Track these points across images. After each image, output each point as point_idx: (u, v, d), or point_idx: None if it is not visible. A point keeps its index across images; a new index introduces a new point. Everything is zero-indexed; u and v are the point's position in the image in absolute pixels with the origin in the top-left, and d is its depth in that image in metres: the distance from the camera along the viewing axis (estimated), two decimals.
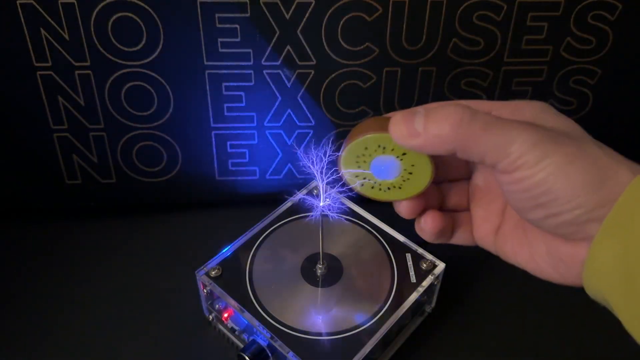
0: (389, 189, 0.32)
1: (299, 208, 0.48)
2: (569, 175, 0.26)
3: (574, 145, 0.27)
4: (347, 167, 0.32)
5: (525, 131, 0.27)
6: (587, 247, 0.27)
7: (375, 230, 0.47)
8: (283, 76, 0.48)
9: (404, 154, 0.31)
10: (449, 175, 0.35)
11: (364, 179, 0.32)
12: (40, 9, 0.43)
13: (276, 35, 0.46)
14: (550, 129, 0.28)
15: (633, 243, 0.25)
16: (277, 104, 0.50)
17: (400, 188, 0.32)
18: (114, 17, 0.44)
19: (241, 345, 0.42)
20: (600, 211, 0.26)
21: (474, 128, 0.27)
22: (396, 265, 0.44)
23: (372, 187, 0.32)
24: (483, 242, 0.35)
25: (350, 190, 0.33)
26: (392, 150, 0.31)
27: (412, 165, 0.31)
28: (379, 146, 0.31)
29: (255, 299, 0.41)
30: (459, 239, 0.35)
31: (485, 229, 0.34)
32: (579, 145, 0.27)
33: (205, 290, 0.43)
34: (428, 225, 0.33)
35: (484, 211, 0.34)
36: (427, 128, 0.28)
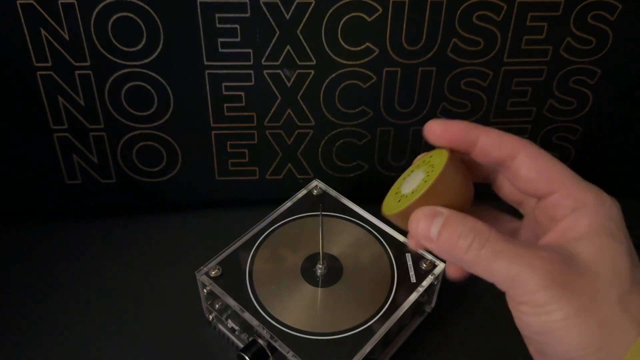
0: (402, 198, 0.32)
1: (299, 208, 0.48)
2: (573, 328, 0.25)
3: (588, 296, 0.25)
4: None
5: (538, 271, 0.25)
6: None
7: (375, 230, 0.47)
8: (283, 76, 0.48)
9: (432, 165, 0.30)
10: None
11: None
12: (40, 9, 0.43)
13: (276, 35, 0.46)
14: (579, 262, 0.26)
15: None
16: (277, 104, 0.50)
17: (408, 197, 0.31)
18: (114, 17, 0.44)
19: (241, 345, 0.42)
20: None
21: (483, 256, 0.26)
22: (396, 265, 0.44)
23: (399, 201, 0.31)
24: None
25: None
26: (426, 163, 0.31)
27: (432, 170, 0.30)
28: (431, 156, 0.31)
29: (255, 299, 0.41)
30: None
31: None
32: (594, 297, 0.25)
33: (205, 290, 0.43)
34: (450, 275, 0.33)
35: None
36: (440, 239, 0.27)
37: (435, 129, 0.30)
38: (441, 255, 0.28)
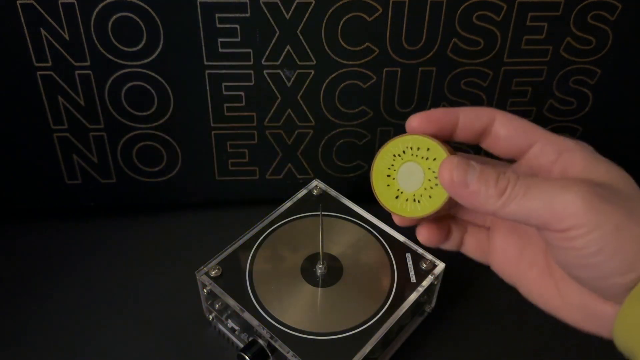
0: (407, 200, 0.32)
1: (299, 208, 0.49)
2: (620, 241, 0.25)
3: (627, 207, 0.26)
4: (386, 156, 0.32)
5: (574, 190, 0.26)
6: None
7: (375, 230, 0.47)
8: (283, 76, 0.48)
9: (434, 159, 0.30)
10: None
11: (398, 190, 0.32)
12: (40, 9, 0.43)
13: (276, 35, 0.46)
14: (602, 184, 0.27)
15: None
16: (277, 104, 0.50)
17: (419, 202, 0.31)
18: (114, 17, 0.44)
19: (241, 345, 0.42)
20: None
21: (516, 193, 0.27)
22: (396, 265, 0.44)
23: (397, 197, 0.32)
24: (500, 272, 0.34)
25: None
26: (425, 158, 0.31)
27: (436, 178, 0.30)
28: (418, 149, 0.31)
29: (255, 299, 0.41)
30: (470, 252, 0.35)
31: (504, 259, 0.33)
32: (630, 210, 0.26)
33: (205, 290, 0.43)
34: (421, 237, 0.33)
35: (505, 244, 0.33)
36: (477, 186, 0.27)
37: (418, 121, 0.31)
38: (469, 203, 0.28)
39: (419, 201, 0.31)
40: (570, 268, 0.28)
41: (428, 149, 0.30)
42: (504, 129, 0.30)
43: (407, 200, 0.31)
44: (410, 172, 0.31)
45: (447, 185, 0.28)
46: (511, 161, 0.32)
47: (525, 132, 0.30)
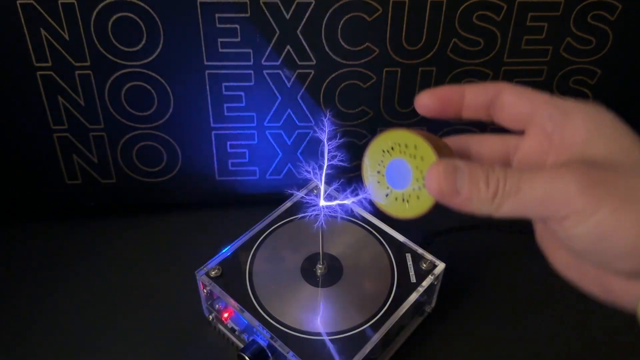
0: (396, 199, 0.31)
1: (299, 208, 0.48)
2: (620, 224, 0.24)
3: (625, 188, 0.25)
4: (374, 153, 0.31)
5: (568, 176, 0.25)
6: None
7: (375, 230, 0.47)
8: (283, 76, 0.48)
9: (422, 158, 0.30)
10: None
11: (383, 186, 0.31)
12: (40, 9, 0.43)
13: (276, 35, 0.46)
14: (602, 161, 0.26)
15: None
16: (277, 104, 0.50)
17: (408, 202, 0.31)
18: (114, 17, 0.44)
19: (241, 345, 0.42)
20: None
21: (508, 190, 0.26)
22: (396, 265, 0.44)
23: (387, 195, 0.31)
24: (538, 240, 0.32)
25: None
26: (413, 157, 0.30)
27: (424, 179, 0.30)
28: (406, 145, 0.30)
29: (255, 299, 0.41)
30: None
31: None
32: (631, 187, 0.25)
33: (205, 290, 0.43)
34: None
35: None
36: (469, 192, 0.27)
37: (428, 96, 0.31)
38: (463, 209, 0.27)
39: (407, 201, 0.31)
40: (577, 253, 0.27)
41: (415, 147, 0.29)
42: (511, 97, 0.30)
43: (396, 199, 0.31)
44: (399, 170, 0.30)
45: (436, 196, 0.28)
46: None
47: (529, 98, 0.29)
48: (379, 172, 0.31)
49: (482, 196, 0.26)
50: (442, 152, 0.30)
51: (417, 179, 0.30)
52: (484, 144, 0.33)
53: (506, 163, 0.32)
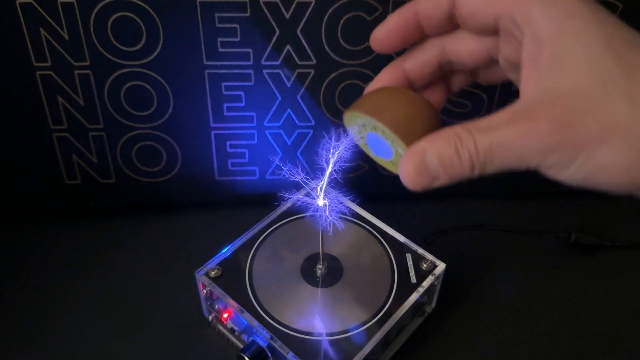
0: (386, 162, 0.32)
1: (299, 208, 0.48)
2: (602, 165, 0.25)
3: (596, 123, 0.24)
4: (350, 124, 0.31)
5: (534, 126, 0.25)
6: None
7: (375, 230, 0.47)
8: (283, 76, 0.48)
9: (392, 140, 0.29)
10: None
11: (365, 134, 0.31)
12: (40, 9, 0.43)
13: (276, 35, 0.46)
14: (571, 88, 0.25)
15: None
16: (277, 104, 0.49)
17: (393, 164, 0.31)
18: (114, 17, 0.44)
19: (241, 346, 0.42)
20: None
21: (482, 154, 0.26)
22: (396, 265, 0.44)
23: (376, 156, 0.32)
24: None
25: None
26: (385, 136, 0.29)
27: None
28: (374, 127, 0.29)
29: (255, 299, 0.41)
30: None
31: None
32: (602, 122, 0.24)
33: (205, 291, 0.43)
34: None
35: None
36: (446, 173, 0.27)
37: (382, 30, 0.31)
38: (451, 183, 0.27)
39: (395, 164, 0.31)
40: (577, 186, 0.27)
41: (383, 132, 0.29)
42: (465, 6, 0.28)
43: (386, 162, 0.32)
44: (379, 142, 0.30)
45: (419, 191, 0.28)
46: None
47: (488, 2, 0.28)
48: (362, 137, 0.31)
49: (460, 172, 0.27)
50: (413, 126, 0.29)
51: (396, 151, 0.30)
52: (462, 47, 0.32)
53: (491, 63, 0.31)
